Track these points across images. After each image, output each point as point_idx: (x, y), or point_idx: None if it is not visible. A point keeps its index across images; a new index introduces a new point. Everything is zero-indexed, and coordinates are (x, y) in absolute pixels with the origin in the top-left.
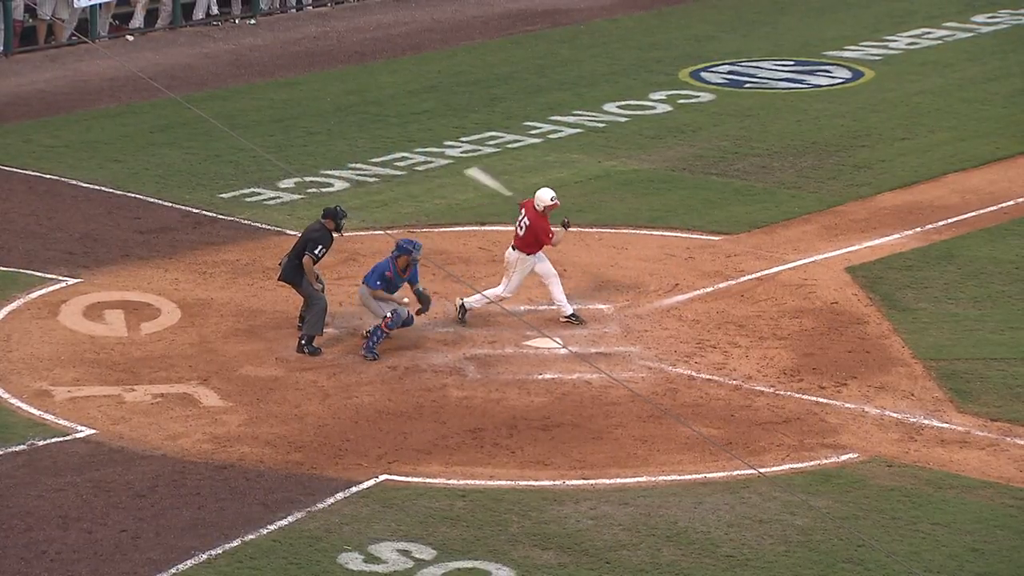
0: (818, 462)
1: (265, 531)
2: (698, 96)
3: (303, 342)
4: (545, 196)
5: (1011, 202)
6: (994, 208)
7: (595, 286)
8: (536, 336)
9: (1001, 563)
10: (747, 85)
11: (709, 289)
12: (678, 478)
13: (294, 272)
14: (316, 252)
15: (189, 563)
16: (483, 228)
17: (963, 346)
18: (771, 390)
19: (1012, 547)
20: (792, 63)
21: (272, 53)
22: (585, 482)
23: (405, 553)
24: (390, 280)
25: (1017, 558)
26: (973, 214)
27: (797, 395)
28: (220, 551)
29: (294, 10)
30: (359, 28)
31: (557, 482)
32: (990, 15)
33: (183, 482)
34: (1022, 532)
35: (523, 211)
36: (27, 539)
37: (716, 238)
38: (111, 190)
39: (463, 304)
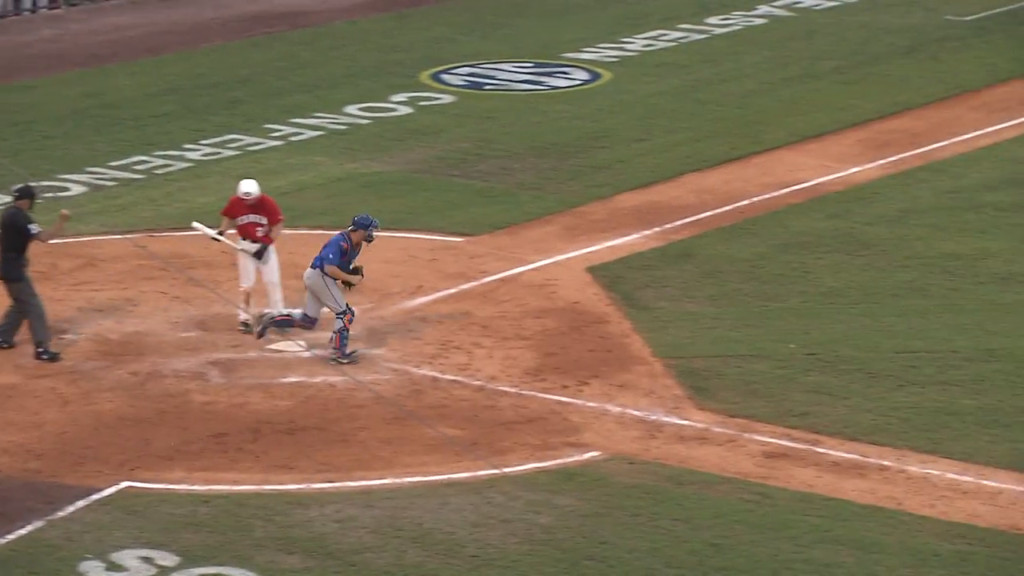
0: (561, 461)
1: (2, 541)
2: (439, 98)
3: (40, 350)
4: (240, 187)
5: (746, 201)
6: (729, 207)
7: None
8: (280, 339)
9: (740, 558)
10: (487, 87)
11: (452, 290)
12: (423, 479)
13: (8, 267)
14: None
15: None
16: None
17: (701, 344)
18: (515, 390)
19: (750, 541)
20: (531, 65)
21: (5, 56)
22: (330, 485)
23: (148, 560)
24: (346, 251)
25: (755, 552)
26: (709, 213)
27: (540, 395)
28: None
29: (28, 12)
30: (95, 30)
31: (302, 486)
32: (723, 17)
33: None
34: (759, 526)
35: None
36: None
37: (458, 240)
38: None
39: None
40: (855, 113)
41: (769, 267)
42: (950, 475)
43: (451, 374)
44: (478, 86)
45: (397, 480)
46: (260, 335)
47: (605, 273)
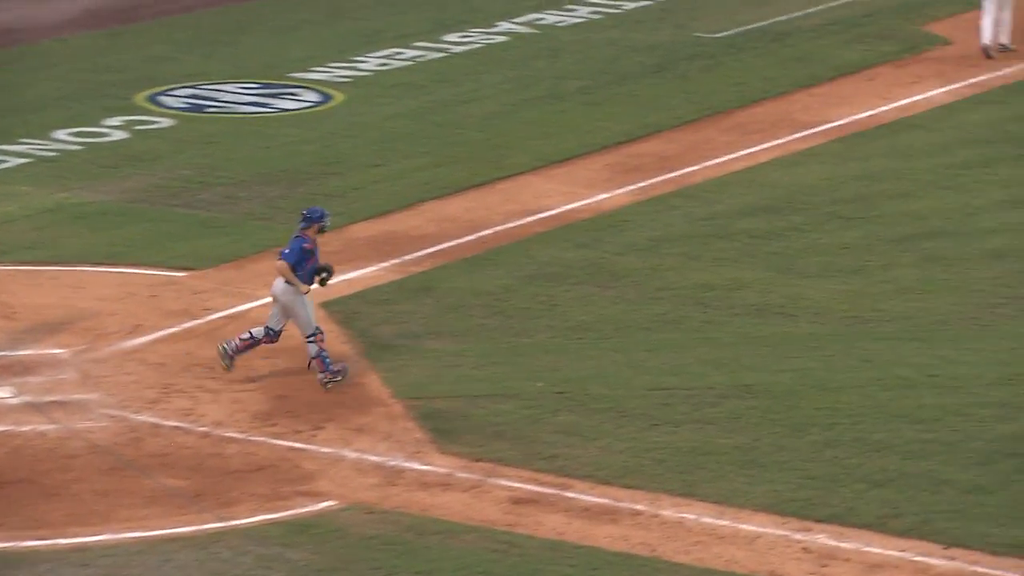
0: (294, 511)
1: None
2: (157, 122)
3: None
4: None
5: (489, 230)
6: (472, 237)
7: (49, 329)
8: None
9: None
10: (210, 109)
11: (174, 329)
12: (143, 535)
13: None
14: None
15: None
16: None
17: (443, 383)
18: (243, 436)
19: None
20: (257, 86)
21: None
22: (42, 543)
23: None
24: (310, 251)
25: None
26: (451, 243)
27: (271, 440)
28: None
29: None
30: None
31: (10, 544)
32: (461, 34)
33: None
34: None
35: None
36: None
37: (181, 274)
38: None
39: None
40: (603, 136)
41: (514, 300)
42: (706, 519)
43: (173, 420)
44: (199, 108)
45: (115, 536)
46: (229, 367)
47: (340, 308)
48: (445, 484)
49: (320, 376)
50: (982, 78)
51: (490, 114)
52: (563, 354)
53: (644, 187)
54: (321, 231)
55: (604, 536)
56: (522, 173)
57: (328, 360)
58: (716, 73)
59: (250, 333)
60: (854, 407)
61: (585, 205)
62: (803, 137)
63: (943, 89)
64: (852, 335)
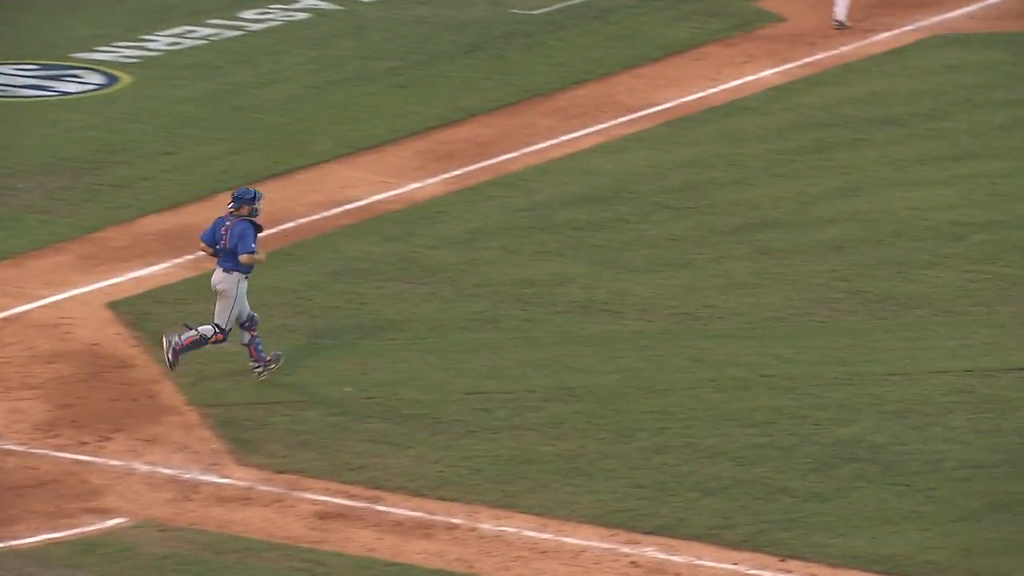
0: (80, 530)
1: None
2: None
3: None
4: None
5: (291, 223)
6: (273, 230)
7: None
8: None
9: None
10: None
11: None
12: None
13: None
14: None
15: None
16: None
17: (242, 390)
18: (23, 448)
19: None
20: (36, 67)
21: None
22: None
23: None
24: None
25: None
26: None
27: (54, 453)
28: None
29: None
30: None
31: None
32: (260, 11)
33: None
34: None
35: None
36: None
37: None
38: None
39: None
40: (414, 121)
41: (320, 298)
42: (527, 532)
43: None
44: None
45: None
46: (173, 365)
47: (129, 309)
48: (245, 498)
49: (253, 366)
50: (817, 57)
51: (291, 97)
52: (372, 356)
53: (459, 176)
54: (253, 214)
55: (418, 552)
56: (327, 161)
57: (260, 346)
58: (535, 53)
59: (197, 330)
60: (684, 410)
61: (395, 195)
62: (628, 121)
63: (776, 69)
64: (682, 333)
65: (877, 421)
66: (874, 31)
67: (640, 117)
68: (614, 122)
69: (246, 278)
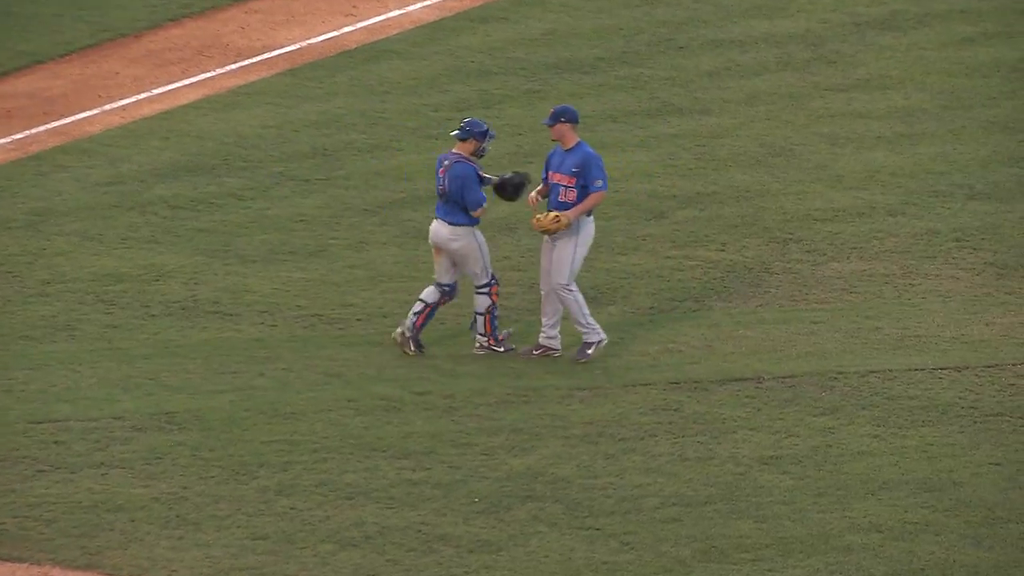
0: None
1: None
2: None
3: None
4: None
5: None
6: None
7: None
8: None
9: None
10: None
11: None
12: None
13: None
14: None
15: None
16: None
17: None
18: None
19: None
20: None
21: None
22: None
23: None
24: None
25: None
26: None
27: None
28: None
29: None
30: None
31: None
32: None
33: None
34: None
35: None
36: None
37: None
38: None
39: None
40: None
41: None
42: None
43: None
44: None
45: None
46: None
47: None
48: None
49: (480, 340)
50: None
51: None
52: None
53: (19, 141)
54: (480, 154)
55: None
56: None
57: (496, 322)
58: None
59: (421, 301)
60: (317, 439)
61: None
62: (240, 69)
63: (428, 2)
64: (313, 340)
65: (560, 448)
66: None
67: (256, 63)
68: (222, 70)
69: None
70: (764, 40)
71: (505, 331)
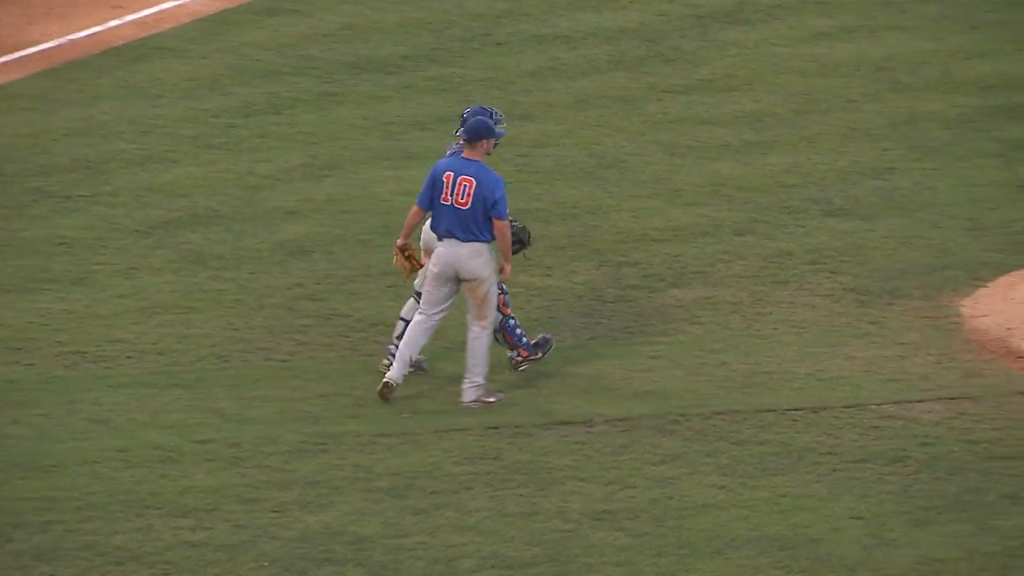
0: None
1: None
2: None
3: None
4: None
5: None
6: None
7: None
8: None
9: None
10: None
11: None
12: None
13: None
14: None
15: None
16: None
17: None
18: None
19: None
20: None
21: None
22: None
23: None
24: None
25: None
26: None
27: None
28: None
29: None
30: None
31: None
32: None
33: None
34: None
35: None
36: None
37: None
38: None
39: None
40: None
41: None
42: None
43: None
44: None
45: None
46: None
47: None
48: None
49: (514, 356)
50: None
51: None
52: None
53: None
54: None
55: None
56: None
57: (519, 330)
58: None
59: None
60: (81, 495)
61: None
62: None
63: None
64: (75, 381)
65: (363, 503)
66: None
67: (7, 63)
68: None
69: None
70: (593, 36)
71: (540, 335)
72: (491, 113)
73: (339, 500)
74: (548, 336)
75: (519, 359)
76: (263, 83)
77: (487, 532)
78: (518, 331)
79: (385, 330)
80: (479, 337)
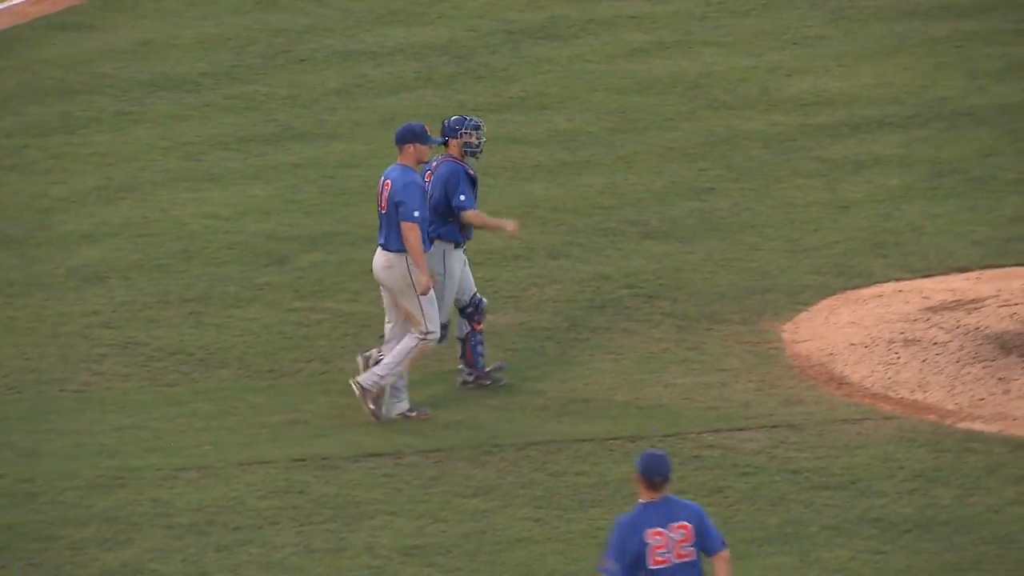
0: None
1: None
2: None
3: None
4: None
5: None
6: None
7: None
8: None
9: None
10: None
11: None
12: None
13: None
14: None
15: None
16: None
17: None
18: None
19: None
20: None
21: None
22: None
23: None
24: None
25: None
26: None
27: None
28: None
29: None
30: None
31: None
32: None
33: None
34: None
35: None
36: None
37: None
38: None
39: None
40: None
41: None
42: None
43: None
44: None
45: None
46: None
47: None
48: None
49: (466, 374)
50: None
51: None
52: None
53: None
54: (468, 152)
55: None
56: None
57: (479, 349)
58: None
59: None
60: None
61: None
62: None
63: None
64: None
65: (163, 540)
66: None
67: None
68: None
69: (456, 248)
70: (401, 52)
71: (496, 364)
72: (464, 120)
73: (138, 537)
74: (502, 367)
75: (469, 379)
76: (56, 102)
77: (293, 569)
78: (479, 348)
79: (185, 359)
80: (407, 343)
